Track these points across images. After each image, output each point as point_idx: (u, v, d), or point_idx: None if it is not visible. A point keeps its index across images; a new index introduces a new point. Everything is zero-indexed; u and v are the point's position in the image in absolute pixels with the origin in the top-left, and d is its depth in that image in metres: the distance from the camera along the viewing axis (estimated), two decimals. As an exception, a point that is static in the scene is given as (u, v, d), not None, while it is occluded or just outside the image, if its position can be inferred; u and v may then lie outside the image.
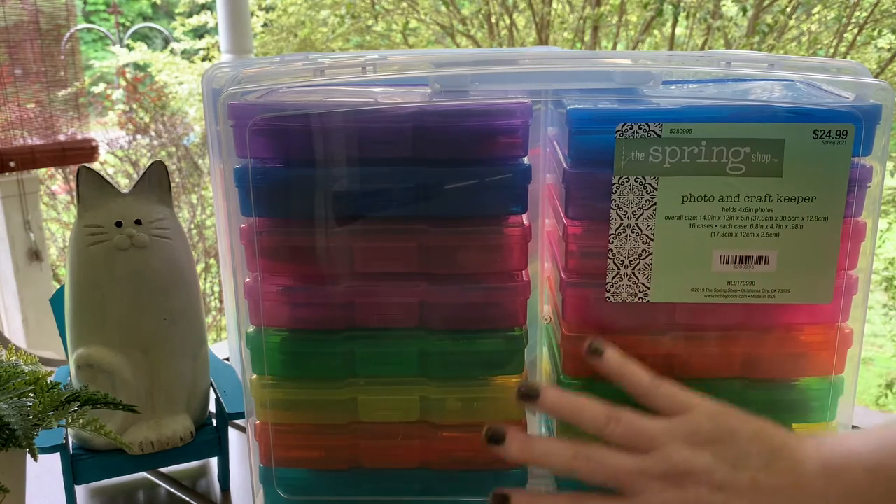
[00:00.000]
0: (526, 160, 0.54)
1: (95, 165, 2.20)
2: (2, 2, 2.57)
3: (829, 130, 0.49)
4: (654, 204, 0.51)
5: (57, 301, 0.65)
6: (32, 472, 0.55)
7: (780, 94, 0.58)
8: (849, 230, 0.52)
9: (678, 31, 3.79)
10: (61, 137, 2.80)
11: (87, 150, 2.86)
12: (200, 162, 3.56)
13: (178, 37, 4.46)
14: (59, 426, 0.53)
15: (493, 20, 4.04)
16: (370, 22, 4.13)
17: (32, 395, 0.50)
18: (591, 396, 0.48)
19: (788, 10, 3.48)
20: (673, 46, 3.76)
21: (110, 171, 3.57)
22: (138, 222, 0.58)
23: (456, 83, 0.54)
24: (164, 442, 0.60)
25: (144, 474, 0.67)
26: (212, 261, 3.53)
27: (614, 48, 3.85)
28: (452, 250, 0.54)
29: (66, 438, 0.60)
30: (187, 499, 0.64)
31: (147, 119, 3.63)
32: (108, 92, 4.39)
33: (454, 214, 0.54)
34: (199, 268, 3.45)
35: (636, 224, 0.52)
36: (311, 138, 0.52)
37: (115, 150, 3.54)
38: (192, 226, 3.48)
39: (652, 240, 0.52)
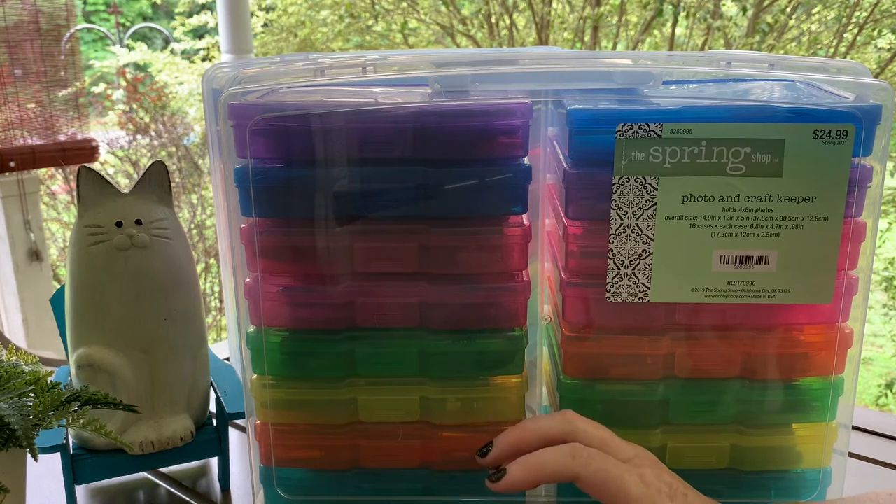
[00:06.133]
0: (526, 160, 0.54)
1: (95, 165, 2.20)
2: (2, 2, 2.57)
3: (830, 130, 0.49)
4: (655, 204, 0.51)
5: (57, 301, 0.65)
6: (32, 472, 0.55)
7: (780, 94, 0.58)
8: (849, 230, 0.52)
9: (678, 31, 3.79)
10: (61, 137, 2.80)
11: (87, 150, 2.86)
12: (200, 162, 3.56)
13: (178, 37, 4.46)
14: (59, 426, 0.53)
15: (493, 20, 4.05)
16: (370, 22, 4.14)
17: (32, 395, 0.50)
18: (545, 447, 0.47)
19: (788, 10, 3.48)
20: (673, 46, 3.77)
21: (110, 171, 3.57)
22: (138, 222, 0.58)
23: (456, 83, 0.54)
24: (164, 442, 0.60)
25: (144, 474, 0.67)
26: (212, 261, 3.53)
27: (614, 48, 3.85)
28: (452, 250, 0.54)
29: (67, 438, 0.60)
30: (187, 499, 0.64)
31: (147, 119, 3.63)
32: (109, 92, 4.39)
33: (454, 214, 0.54)
34: (199, 268, 3.45)
35: (636, 224, 0.52)
36: (311, 138, 0.52)
37: (116, 150, 3.54)
38: (192, 226, 3.48)
39: (652, 240, 0.52)
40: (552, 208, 0.61)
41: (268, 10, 4.51)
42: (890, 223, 3.31)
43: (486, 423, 0.58)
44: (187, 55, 4.50)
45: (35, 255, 2.78)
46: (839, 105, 0.50)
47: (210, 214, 3.52)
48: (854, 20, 3.42)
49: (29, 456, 0.48)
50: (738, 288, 0.52)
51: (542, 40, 3.87)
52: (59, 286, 0.75)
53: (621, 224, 0.52)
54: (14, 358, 0.56)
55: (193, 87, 4.07)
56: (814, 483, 0.58)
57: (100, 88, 4.38)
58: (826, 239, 0.51)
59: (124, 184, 2.26)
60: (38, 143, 2.72)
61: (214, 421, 0.65)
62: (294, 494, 0.60)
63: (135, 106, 3.78)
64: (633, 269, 0.52)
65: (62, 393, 0.51)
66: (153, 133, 3.60)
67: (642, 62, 0.56)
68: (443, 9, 4.10)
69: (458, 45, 4.04)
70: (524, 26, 4.12)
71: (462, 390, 0.57)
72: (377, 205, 0.54)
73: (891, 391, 3.07)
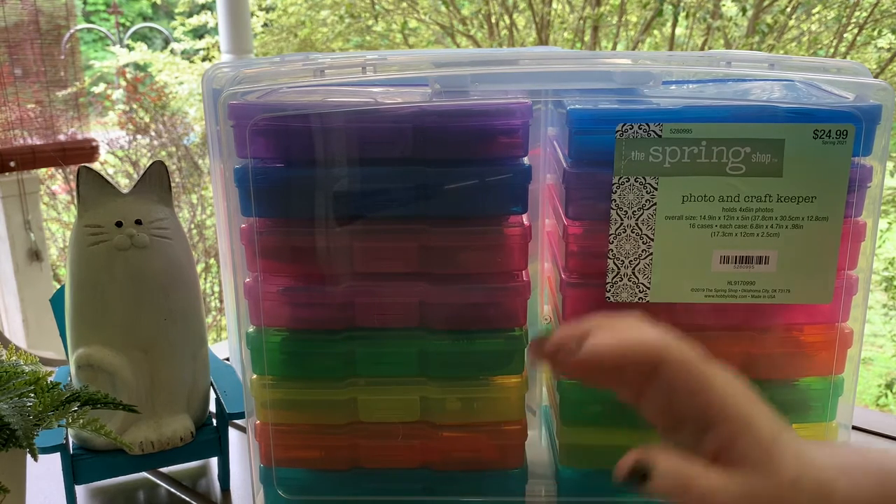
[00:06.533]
0: (526, 160, 0.54)
1: (95, 165, 2.20)
2: (2, 2, 2.57)
3: (830, 130, 0.49)
4: (654, 204, 0.51)
5: (57, 301, 0.65)
6: (32, 472, 0.55)
7: (780, 94, 0.58)
8: (849, 230, 0.52)
9: (678, 31, 3.79)
10: (61, 137, 2.80)
11: (87, 150, 2.85)
12: (200, 162, 3.56)
13: (178, 37, 4.46)
14: (59, 426, 0.53)
15: (493, 20, 4.04)
16: (370, 22, 4.14)
17: (32, 395, 0.50)
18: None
19: (788, 10, 3.48)
20: (673, 46, 3.76)
21: (110, 171, 3.57)
22: (138, 222, 0.58)
23: (456, 83, 0.54)
24: (164, 442, 0.60)
25: (144, 474, 0.67)
26: (212, 261, 3.53)
27: (614, 48, 3.85)
28: (452, 250, 0.54)
29: (66, 438, 0.60)
30: (187, 499, 0.64)
31: (147, 119, 3.63)
32: (109, 92, 4.39)
33: (454, 214, 0.54)
34: (199, 268, 3.44)
35: (636, 224, 0.52)
36: (311, 138, 0.52)
37: (115, 150, 3.54)
38: (192, 226, 3.47)
39: (652, 240, 0.52)
40: (552, 208, 0.61)
41: (268, 10, 4.50)
42: (890, 223, 3.31)
43: (486, 422, 0.58)
44: (187, 55, 4.49)
45: (35, 255, 2.77)
46: (839, 105, 0.50)
47: (210, 214, 3.52)
48: (854, 20, 3.42)
49: (29, 456, 0.48)
50: (738, 288, 0.52)
51: (542, 40, 3.86)
52: (59, 286, 0.75)
53: (621, 224, 0.52)
54: (14, 358, 0.56)
55: (193, 87, 4.06)
56: (814, 483, 0.57)
57: (100, 88, 4.38)
58: (826, 239, 0.51)
59: (124, 184, 2.26)
60: (38, 143, 2.72)
61: (214, 421, 0.65)
62: (294, 494, 0.60)
63: (135, 106, 3.77)
64: (633, 269, 0.52)
65: (62, 393, 0.51)
66: (153, 133, 3.59)
67: (642, 62, 0.56)
68: (443, 9, 4.10)
69: (458, 45, 4.04)
70: (524, 26, 4.11)
71: (462, 390, 0.57)
72: (377, 205, 0.54)
73: (891, 391, 3.07)
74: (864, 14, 3.35)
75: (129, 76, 4.21)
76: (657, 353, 0.41)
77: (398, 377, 0.57)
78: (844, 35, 3.45)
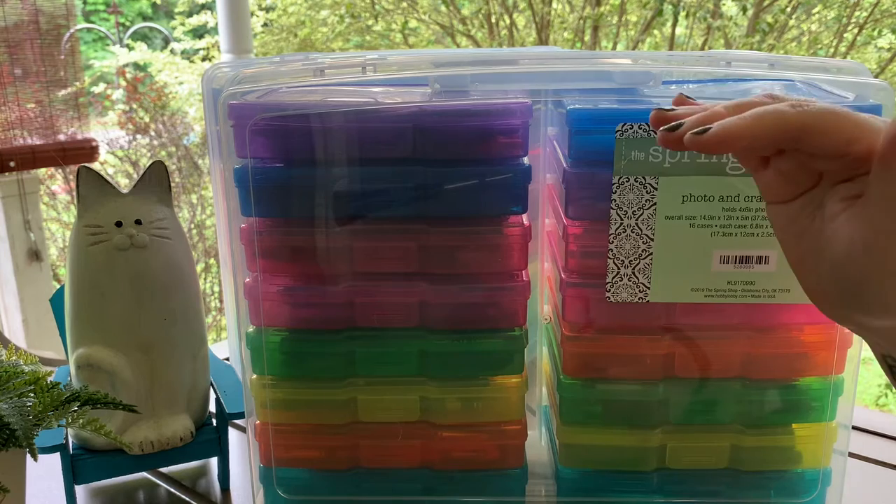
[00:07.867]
0: (526, 160, 0.54)
1: (95, 165, 2.20)
2: (2, 2, 2.57)
3: (829, 130, 0.49)
4: (654, 204, 0.51)
5: (57, 301, 0.65)
6: (32, 472, 0.55)
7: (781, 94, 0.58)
8: (849, 230, 0.52)
9: (678, 31, 3.79)
10: (61, 137, 2.80)
11: (87, 150, 2.85)
12: (200, 162, 3.56)
13: (178, 37, 4.46)
14: (59, 426, 0.53)
15: (493, 20, 4.05)
16: (370, 22, 4.14)
17: (32, 395, 0.50)
18: None
19: (788, 9, 3.49)
20: (673, 46, 3.77)
21: (110, 171, 3.57)
22: (138, 222, 0.58)
23: (456, 83, 0.54)
24: (164, 442, 0.60)
25: (144, 474, 0.67)
26: (212, 261, 3.53)
27: (614, 48, 3.85)
28: (452, 250, 0.54)
29: (66, 438, 0.60)
30: (187, 499, 0.64)
31: (147, 119, 3.63)
32: (108, 92, 4.39)
33: (454, 214, 0.54)
34: (199, 268, 3.44)
35: (636, 224, 0.52)
36: (311, 138, 0.52)
37: (115, 150, 3.54)
38: (192, 226, 3.47)
39: (652, 240, 0.52)
40: (552, 208, 0.61)
41: (268, 10, 4.51)
42: (890, 223, 3.31)
43: (486, 423, 0.58)
44: (187, 55, 4.50)
45: (35, 255, 2.77)
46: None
47: (210, 214, 3.52)
48: (854, 20, 3.42)
49: (29, 456, 0.48)
50: (738, 288, 0.52)
51: (542, 40, 3.87)
52: (59, 286, 0.75)
53: (621, 224, 0.52)
54: (14, 358, 0.56)
55: (193, 87, 4.07)
56: (813, 483, 0.58)
57: (100, 88, 4.38)
58: (826, 239, 0.51)
59: (124, 184, 2.26)
60: (38, 143, 2.72)
61: (214, 421, 0.65)
62: (294, 494, 0.60)
63: (135, 106, 3.78)
64: (633, 268, 0.52)
65: (62, 393, 0.51)
66: (153, 133, 3.59)
67: (642, 62, 0.56)
68: (443, 9, 4.10)
69: (458, 45, 4.04)
70: (524, 26, 4.12)
71: (462, 390, 0.57)
72: (377, 205, 0.54)
73: (891, 391, 3.07)
74: (864, 14, 3.36)
75: (128, 76, 4.21)
76: (795, 122, 0.36)
77: (398, 377, 0.57)
78: (844, 35, 3.45)
